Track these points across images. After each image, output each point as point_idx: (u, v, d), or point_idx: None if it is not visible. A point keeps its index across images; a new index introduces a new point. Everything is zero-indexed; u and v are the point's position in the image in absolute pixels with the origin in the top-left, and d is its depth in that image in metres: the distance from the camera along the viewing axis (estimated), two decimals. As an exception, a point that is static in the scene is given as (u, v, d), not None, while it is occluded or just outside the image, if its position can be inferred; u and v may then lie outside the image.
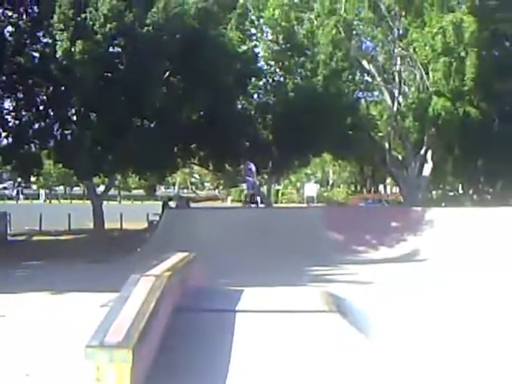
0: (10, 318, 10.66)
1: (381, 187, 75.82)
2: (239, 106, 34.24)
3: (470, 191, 44.75)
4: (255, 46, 34.52)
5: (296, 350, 8.26)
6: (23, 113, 27.58)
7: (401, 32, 34.35)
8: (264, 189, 41.17)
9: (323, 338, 8.78)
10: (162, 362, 7.69)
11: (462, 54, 30.30)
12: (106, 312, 7.92)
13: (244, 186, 29.32)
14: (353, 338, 8.93)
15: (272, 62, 35.61)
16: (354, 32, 35.83)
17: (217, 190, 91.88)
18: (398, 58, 35.31)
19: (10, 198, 79.20)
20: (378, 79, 35.86)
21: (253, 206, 30.41)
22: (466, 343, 9.73)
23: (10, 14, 26.68)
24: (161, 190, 73.58)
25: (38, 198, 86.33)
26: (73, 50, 23.45)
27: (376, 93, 39.93)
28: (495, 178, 39.43)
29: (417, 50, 32.14)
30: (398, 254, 24.41)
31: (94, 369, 6.59)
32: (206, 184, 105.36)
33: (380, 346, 8.92)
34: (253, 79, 33.81)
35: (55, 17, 24.20)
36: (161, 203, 36.22)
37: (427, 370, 8.02)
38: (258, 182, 28.30)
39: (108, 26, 24.23)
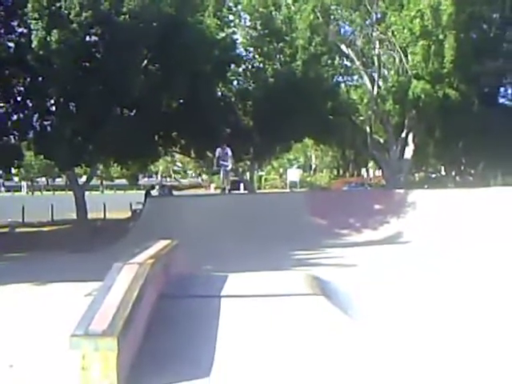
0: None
1: (363, 171, 76.13)
2: (219, 93, 34.18)
3: (453, 173, 44.98)
4: (233, 32, 34.34)
5: (281, 333, 8.31)
6: (1, 104, 27.29)
7: (379, 16, 34.44)
8: (247, 175, 41.21)
9: (308, 320, 8.83)
10: (147, 349, 7.69)
11: (441, 36, 30.43)
12: (90, 301, 7.90)
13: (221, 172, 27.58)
14: (337, 320, 8.99)
15: (251, 49, 35.47)
16: (332, 17, 35.91)
17: (199, 178, 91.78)
18: (377, 42, 35.36)
19: (-9, 191, 78.78)
20: (357, 63, 35.91)
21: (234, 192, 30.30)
22: (447, 324, 9.82)
23: (-17, 3, 26.35)
24: (143, 180, 73.48)
25: (20, 190, 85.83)
26: (48, 39, 23.22)
27: (356, 77, 40.01)
28: (476, 159, 39.66)
29: (395, 33, 32.24)
30: (381, 236, 24.52)
31: (80, 358, 6.58)
32: (188, 172, 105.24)
33: (364, 327, 8.98)
34: (232, 66, 33.68)
35: (29, 6, 23.87)
36: (143, 192, 36.15)
37: (408, 349, 8.09)
38: (232, 167, 27.83)
39: (84, 14, 23.97)
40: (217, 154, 26.56)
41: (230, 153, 26.51)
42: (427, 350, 8.13)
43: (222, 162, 26.58)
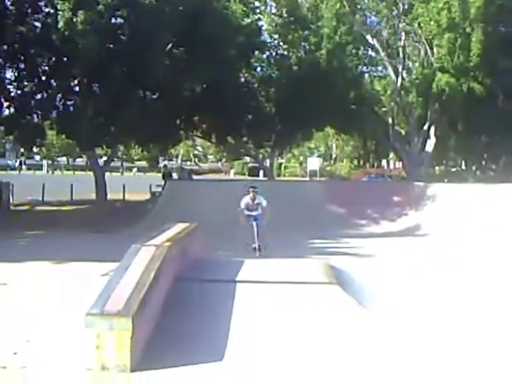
0: (13, 285, 10.70)
1: (384, 162, 75.75)
2: (242, 79, 34.12)
3: (473, 167, 44.65)
4: (259, 19, 34.21)
5: (294, 318, 8.36)
6: (25, 83, 27.43)
7: (406, 7, 34.15)
8: (267, 162, 41.19)
9: (322, 307, 8.87)
10: (162, 330, 7.75)
11: (468, 29, 30.16)
12: (106, 281, 7.97)
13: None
14: (351, 308, 9.02)
15: (276, 36, 35.34)
16: (359, 6, 35.70)
17: (220, 163, 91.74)
18: (403, 33, 35.13)
19: (13, 169, 79.17)
20: (382, 54, 35.71)
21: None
22: (458, 317, 9.82)
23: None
24: (164, 162, 73.61)
25: (41, 169, 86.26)
26: (74, 20, 23.32)
27: (380, 68, 39.83)
28: (498, 154, 39.34)
29: (422, 25, 31.97)
30: (399, 228, 24.48)
31: (94, 336, 6.65)
32: (209, 157, 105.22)
33: (377, 317, 9.00)
34: (256, 52, 33.57)
35: (56, -14, 24.03)
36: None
37: (419, 337, 8.11)
38: (266, 221, 16.73)
39: (110, -4, 24.10)
40: (243, 205, 17.55)
41: (263, 202, 17.47)
42: (434, 341, 8.13)
43: (249, 213, 17.56)
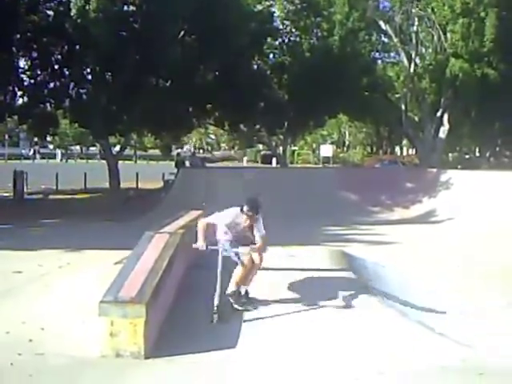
0: (27, 273, 10.78)
1: (397, 149, 75.55)
2: (255, 66, 34.03)
3: (487, 154, 44.43)
4: (271, 5, 34.09)
5: (306, 306, 8.41)
6: (38, 72, 27.48)
7: (419, -8, 33.88)
8: (280, 149, 41.14)
9: (334, 292, 8.92)
10: (175, 317, 7.79)
11: (482, 14, 29.85)
12: (120, 269, 8.01)
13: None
14: (363, 295, 9.03)
15: (288, 22, 35.14)
16: (371, -8, 35.41)
17: (232, 151, 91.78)
18: (416, 19, 34.87)
19: (27, 158, 79.57)
20: (395, 40, 35.46)
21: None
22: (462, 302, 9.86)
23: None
24: (177, 151, 73.72)
25: (55, 158, 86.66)
26: (87, 8, 23.29)
27: (393, 54, 39.69)
28: (512, 140, 39.15)
29: (435, 10, 31.73)
30: (412, 215, 24.39)
31: (108, 324, 6.71)
32: (221, 144, 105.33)
33: (389, 303, 9.03)
34: (268, 39, 33.44)
35: (69, -26, 23.99)
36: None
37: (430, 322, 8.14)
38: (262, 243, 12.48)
39: (123, -16, 24.09)
40: (223, 221, 9.05)
41: (262, 230, 8.97)
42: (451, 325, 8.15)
43: (227, 243, 8.94)
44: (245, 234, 8.85)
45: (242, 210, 8.65)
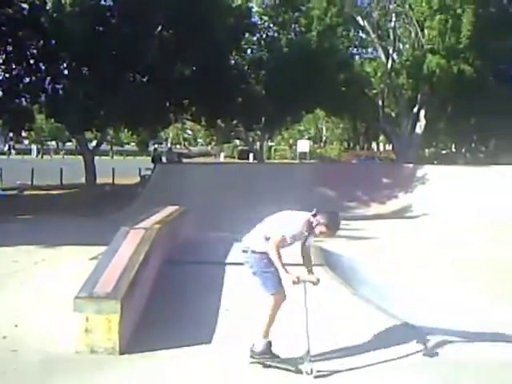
0: (1, 269, 10.66)
1: (374, 144, 75.83)
2: (232, 62, 33.97)
3: (463, 149, 44.75)
4: (249, 0, 34.06)
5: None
6: (13, 66, 27.27)
7: (396, -12, 34.00)
8: (257, 145, 41.15)
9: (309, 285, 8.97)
10: (151, 313, 7.75)
11: (459, 11, 29.97)
12: (95, 264, 7.95)
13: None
14: (337, 288, 9.07)
15: (266, 17, 35.18)
16: (349, -13, 35.45)
17: (209, 146, 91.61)
18: (393, 15, 35.01)
19: (2, 153, 78.84)
20: (373, 36, 35.54)
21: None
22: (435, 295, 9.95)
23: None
24: (154, 146, 73.47)
25: (30, 153, 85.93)
26: (63, 1, 23.14)
27: (370, 49, 39.69)
28: (488, 136, 39.43)
29: (413, 6, 31.86)
30: (389, 210, 24.52)
31: (83, 320, 6.66)
32: (198, 140, 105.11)
33: (362, 295, 9.08)
34: (246, 34, 33.47)
35: (44, -33, 23.82)
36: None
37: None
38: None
39: (99, -22, 23.94)
40: (289, 233, 6.87)
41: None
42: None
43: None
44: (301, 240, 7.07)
45: (313, 219, 6.93)
